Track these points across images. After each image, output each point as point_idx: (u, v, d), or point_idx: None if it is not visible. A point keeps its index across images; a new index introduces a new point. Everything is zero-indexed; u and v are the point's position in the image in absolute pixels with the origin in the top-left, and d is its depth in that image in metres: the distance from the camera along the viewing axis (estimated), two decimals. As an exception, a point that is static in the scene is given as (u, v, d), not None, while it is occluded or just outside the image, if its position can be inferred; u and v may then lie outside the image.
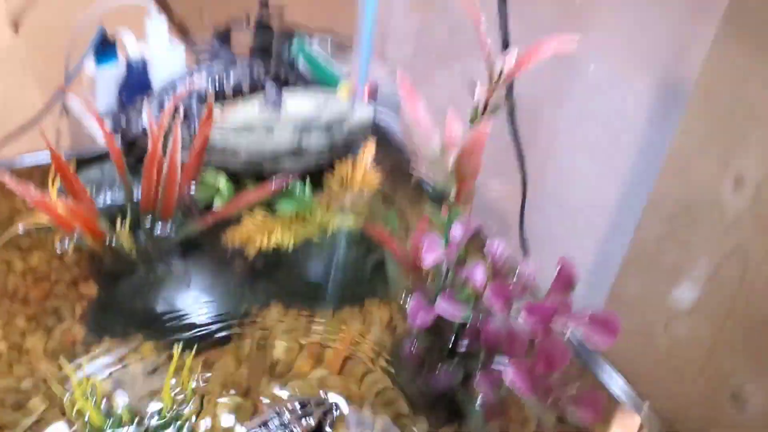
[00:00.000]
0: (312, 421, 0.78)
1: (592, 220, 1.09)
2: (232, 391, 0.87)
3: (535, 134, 1.15)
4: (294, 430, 0.77)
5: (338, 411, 0.83)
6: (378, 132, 1.34)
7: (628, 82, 0.97)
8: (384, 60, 1.43)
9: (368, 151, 1.17)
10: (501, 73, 0.85)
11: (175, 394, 0.82)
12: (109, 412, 0.79)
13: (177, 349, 0.83)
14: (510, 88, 1.07)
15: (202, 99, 1.09)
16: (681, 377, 0.90)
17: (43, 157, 1.21)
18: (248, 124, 1.09)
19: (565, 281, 0.82)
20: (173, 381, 0.83)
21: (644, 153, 0.98)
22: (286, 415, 0.79)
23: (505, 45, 1.04)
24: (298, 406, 0.80)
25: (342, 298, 1.04)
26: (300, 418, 0.78)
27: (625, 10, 0.97)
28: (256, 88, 1.16)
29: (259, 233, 1.06)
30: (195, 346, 0.90)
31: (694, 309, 0.87)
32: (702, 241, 0.85)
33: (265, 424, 0.78)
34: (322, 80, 1.39)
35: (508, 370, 0.78)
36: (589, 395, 0.84)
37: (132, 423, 0.77)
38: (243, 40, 1.38)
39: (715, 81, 0.81)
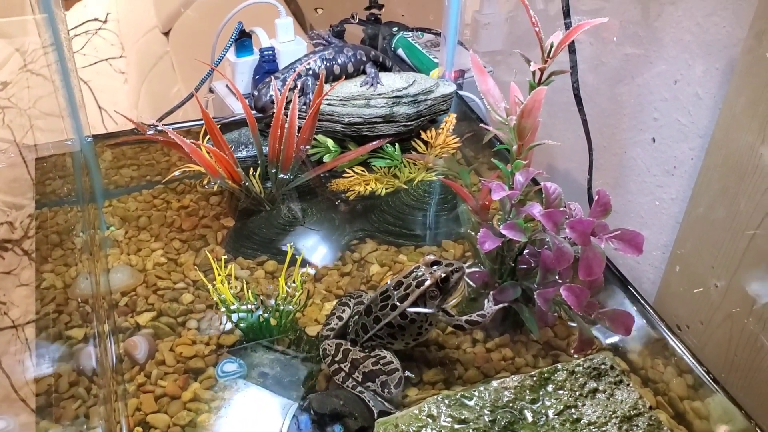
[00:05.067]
0: (441, 273, 0.97)
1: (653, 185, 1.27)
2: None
3: (601, 110, 1.34)
4: (425, 277, 0.97)
5: (463, 273, 1.00)
6: (463, 109, 1.58)
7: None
8: (476, 50, 1.66)
9: (450, 120, 1.40)
10: (551, 47, 1.06)
11: (288, 287, 1.08)
12: (238, 296, 1.07)
13: (296, 259, 1.10)
14: (574, 68, 1.27)
15: (315, 77, 1.37)
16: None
17: (193, 125, 1.53)
18: (351, 96, 1.35)
19: (602, 207, 1.02)
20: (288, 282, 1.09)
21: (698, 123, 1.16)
22: (422, 269, 0.99)
23: (566, 15, 1.24)
24: (430, 261, 1.00)
25: (423, 236, 1.28)
26: (431, 271, 0.98)
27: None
28: (359, 69, 1.42)
29: (358, 183, 1.32)
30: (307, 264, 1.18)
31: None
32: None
33: (405, 276, 1.00)
34: (419, 66, 1.65)
35: (562, 290, 0.99)
36: (622, 314, 1.04)
37: (255, 303, 1.05)
38: (355, 31, 1.67)
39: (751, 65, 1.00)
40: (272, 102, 1.31)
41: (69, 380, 1.01)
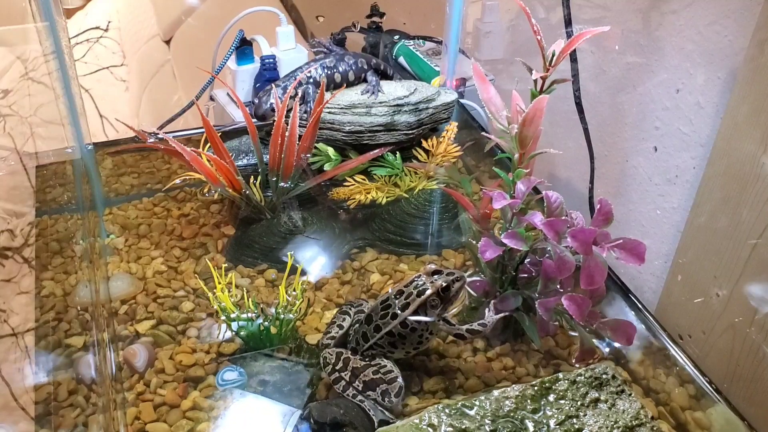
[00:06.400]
0: (442, 282, 0.97)
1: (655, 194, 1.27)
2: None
3: (603, 119, 1.34)
4: (426, 286, 0.97)
5: (464, 282, 0.99)
6: (464, 117, 1.58)
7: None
8: (478, 59, 1.66)
9: (451, 129, 1.40)
10: (553, 56, 1.06)
11: (288, 295, 1.07)
12: (239, 304, 1.06)
13: (297, 268, 1.09)
14: (576, 76, 1.27)
15: (316, 85, 1.37)
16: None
17: (193, 132, 1.53)
18: (351, 104, 1.35)
19: (604, 216, 1.01)
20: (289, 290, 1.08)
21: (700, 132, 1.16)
22: (422, 278, 0.99)
23: (567, 23, 1.24)
24: (431, 270, 1.00)
25: (424, 245, 1.27)
26: (432, 280, 0.98)
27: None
28: (360, 77, 1.42)
29: (359, 192, 1.31)
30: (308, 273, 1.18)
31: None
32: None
33: (406, 285, 0.99)
34: (420, 74, 1.65)
35: (564, 299, 0.99)
36: (624, 324, 1.04)
37: (255, 311, 1.04)
38: (357, 39, 1.68)
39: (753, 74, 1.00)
40: (273, 110, 1.31)
41: (68, 388, 1.00)
